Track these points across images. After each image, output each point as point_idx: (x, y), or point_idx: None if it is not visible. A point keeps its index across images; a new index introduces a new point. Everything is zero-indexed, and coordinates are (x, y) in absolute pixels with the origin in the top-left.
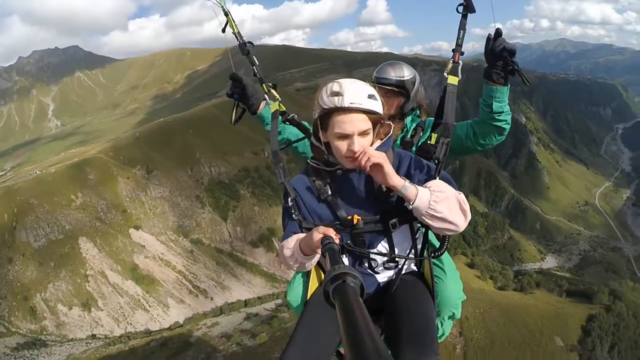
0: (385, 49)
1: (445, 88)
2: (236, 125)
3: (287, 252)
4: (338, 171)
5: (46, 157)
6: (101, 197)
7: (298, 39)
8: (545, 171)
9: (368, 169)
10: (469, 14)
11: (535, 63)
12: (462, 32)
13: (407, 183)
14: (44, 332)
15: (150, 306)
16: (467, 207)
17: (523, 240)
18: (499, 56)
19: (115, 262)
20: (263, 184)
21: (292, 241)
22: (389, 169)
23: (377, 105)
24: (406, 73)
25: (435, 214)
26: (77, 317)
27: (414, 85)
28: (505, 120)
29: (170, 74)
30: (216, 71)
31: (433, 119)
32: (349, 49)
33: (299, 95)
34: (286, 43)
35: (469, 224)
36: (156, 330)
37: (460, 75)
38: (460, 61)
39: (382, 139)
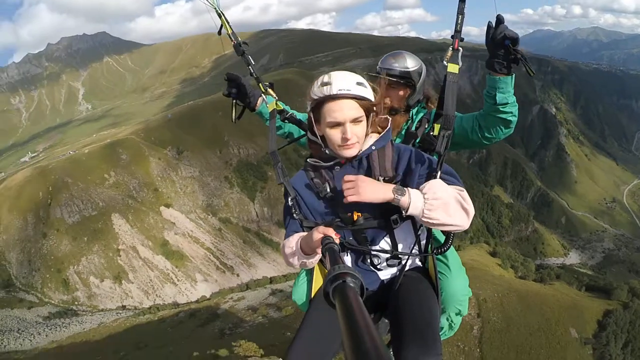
0: (412, 34)
1: (445, 77)
2: (235, 122)
3: (288, 251)
4: (336, 167)
5: (78, 139)
6: (133, 176)
7: (324, 23)
8: (573, 164)
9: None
10: None
11: (566, 51)
12: (460, 16)
13: (397, 195)
14: (76, 303)
15: (178, 280)
16: (468, 205)
17: (547, 233)
18: (501, 44)
19: (146, 238)
20: (290, 166)
21: (293, 240)
22: (371, 193)
23: (366, 92)
24: (411, 64)
25: (430, 221)
26: (108, 289)
27: (420, 76)
28: (511, 112)
29: (197, 58)
30: None
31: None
32: (375, 33)
33: None
34: (312, 27)
35: (494, 214)
36: (184, 303)
37: (460, 63)
38: (460, 48)
39: (379, 133)
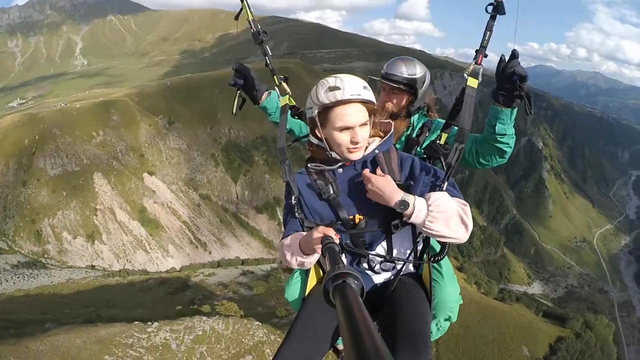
0: (417, 46)
1: (464, 90)
2: (236, 114)
3: (286, 250)
4: (339, 169)
5: (69, 93)
6: (121, 139)
7: (332, 20)
8: (551, 199)
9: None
10: (497, 16)
11: (564, 91)
12: (488, 33)
13: (402, 201)
14: (45, 256)
15: (151, 249)
16: (468, 220)
17: (515, 261)
18: (509, 79)
19: (125, 202)
20: (277, 154)
21: (292, 239)
22: (390, 192)
23: (372, 96)
24: (418, 71)
25: (431, 232)
26: (80, 246)
27: (424, 84)
28: (507, 144)
29: (201, 32)
30: (248, 37)
31: (440, 120)
32: (381, 39)
33: (325, 76)
34: (320, 22)
35: None
36: (153, 272)
37: (480, 79)
38: (482, 64)
39: (382, 137)
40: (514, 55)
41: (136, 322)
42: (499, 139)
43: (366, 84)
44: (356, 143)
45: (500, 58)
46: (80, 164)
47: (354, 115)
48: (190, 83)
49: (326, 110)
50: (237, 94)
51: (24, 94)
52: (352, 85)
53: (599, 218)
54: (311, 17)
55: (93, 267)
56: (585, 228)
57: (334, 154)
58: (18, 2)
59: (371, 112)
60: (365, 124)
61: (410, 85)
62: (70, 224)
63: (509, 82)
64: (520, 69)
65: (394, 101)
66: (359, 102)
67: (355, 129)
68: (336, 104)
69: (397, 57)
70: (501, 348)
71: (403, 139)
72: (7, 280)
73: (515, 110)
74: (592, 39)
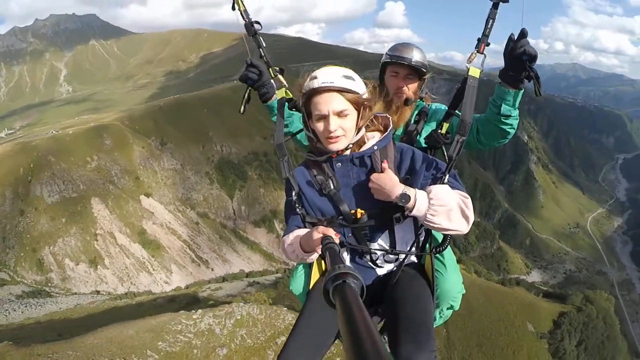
0: None
1: (466, 80)
2: (244, 113)
3: (288, 248)
4: (338, 164)
5: (57, 120)
6: (116, 162)
7: (313, 33)
8: (541, 190)
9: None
10: (500, 3)
11: (545, 84)
12: (491, 21)
13: (403, 194)
14: (49, 284)
15: (154, 270)
16: (469, 213)
17: (511, 252)
18: (518, 59)
19: (124, 225)
20: (270, 168)
21: (293, 237)
22: (391, 186)
23: (353, 85)
24: (422, 56)
25: (433, 225)
26: (83, 272)
27: (427, 70)
28: (511, 125)
29: (185, 52)
30: (231, 55)
31: (437, 105)
32: (362, 48)
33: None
34: (301, 35)
35: None
36: (159, 292)
37: (482, 68)
38: (485, 53)
39: (382, 132)
40: (523, 34)
41: (182, 312)
42: (503, 120)
43: (351, 74)
44: (329, 131)
45: (509, 37)
46: (77, 189)
47: (326, 104)
48: (179, 103)
49: (308, 100)
50: (248, 91)
51: (11, 123)
52: (327, 74)
53: (590, 203)
54: (291, 31)
55: (98, 292)
56: (578, 214)
57: (319, 145)
58: (0, 31)
59: (355, 103)
60: (343, 113)
61: (421, 71)
62: (71, 250)
63: (518, 61)
64: (530, 48)
65: (410, 86)
66: (333, 90)
67: (329, 118)
68: (312, 93)
69: (401, 43)
70: (507, 326)
71: (402, 126)
72: (14, 310)
73: (522, 92)
74: (568, 32)
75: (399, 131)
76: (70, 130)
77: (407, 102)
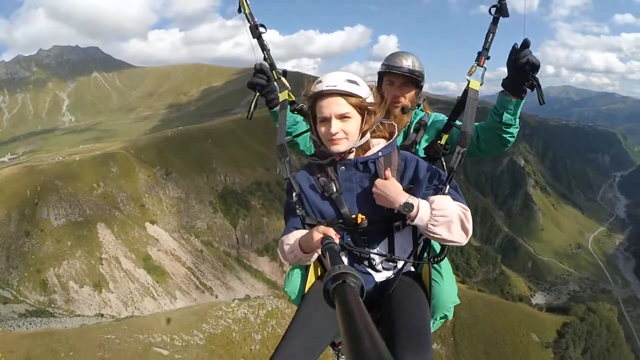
0: None
1: (466, 92)
2: (250, 119)
3: (287, 248)
4: (341, 167)
5: (61, 148)
6: (121, 190)
7: (309, 67)
8: (540, 213)
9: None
10: (500, 18)
11: (538, 108)
12: (491, 35)
13: (407, 203)
14: (52, 305)
15: (158, 295)
16: (469, 225)
17: (514, 276)
18: (521, 68)
19: (129, 250)
20: (273, 198)
21: (293, 237)
22: (395, 194)
23: (357, 89)
24: (418, 64)
25: (433, 235)
26: (87, 295)
27: (423, 78)
28: (512, 134)
29: (186, 86)
30: (231, 89)
31: (436, 114)
32: None
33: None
34: (298, 70)
35: (462, 255)
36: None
37: (482, 81)
38: (485, 66)
39: (387, 139)
40: (526, 43)
41: (222, 300)
42: (504, 128)
43: (355, 79)
44: (331, 134)
45: (513, 47)
46: (84, 214)
47: (329, 107)
48: (183, 135)
49: (314, 104)
50: (256, 96)
51: (14, 149)
52: (331, 78)
53: (590, 223)
54: (288, 66)
55: (102, 315)
56: (578, 234)
57: (323, 148)
58: (4, 59)
59: (359, 107)
60: (345, 116)
61: (418, 79)
62: (76, 273)
63: (521, 71)
64: (533, 57)
65: (406, 95)
66: (336, 94)
67: (331, 121)
68: (317, 97)
69: (397, 52)
70: (512, 335)
71: (402, 133)
72: (19, 327)
73: (523, 101)
74: (557, 55)
75: (398, 139)
76: (76, 157)
77: (404, 110)
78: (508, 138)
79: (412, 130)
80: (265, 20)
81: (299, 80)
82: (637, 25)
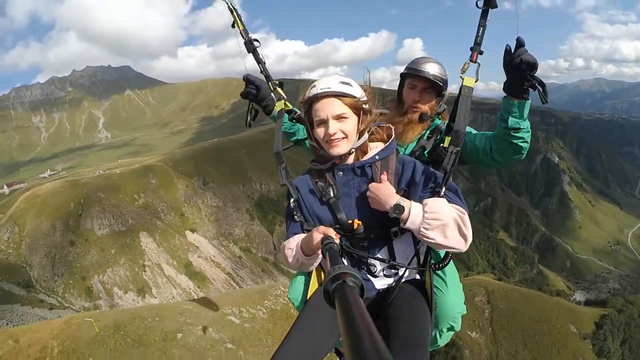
0: None
1: (460, 90)
2: (249, 126)
3: (288, 253)
4: (339, 172)
5: (99, 163)
6: (162, 200)
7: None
8: (577, 210)
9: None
10: (490, 10)
11: (570, 103)
12: (482, 29)
13: (397, 205)
14: (97, 310)
15: None
16: (467, 231)
17: (552, 275)
18: (517, 68)
19: (171, 257)
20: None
21: (293, 242)
22: (386, 196)
23: (349, 89)
24: (442, 71)
25: (427, 239)
26: (131, 300)
27: (446, 86)
28: (523, 138)
29: (217, 100)
30: None
31: None
32: (384, 86)
33: None
34: None
35: (499, 256)
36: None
37: (477, 78)
38: (478, 62)
39: (385, 142)
40: (520, 43)
41: (280, 280)
42: (512, 134)
43: (348, 81)
44: (329, 135)
45: (506, 48)
46: (126, 224)
47: (325, 109)
48: (218, 146)
49: (309, 109)
50: (250, 105)
51: (53, 165)
52: (325, 82)
53: (629, 219)
54: (315, 75)
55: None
56: (617, 231)
57: (322, 152)
58: (40, 80)
59: (354, 107)
60: (342, 116)
61: (440, 87)
62: (120, 280)
63: (517, 72)
64: (527, 56)
65: (426, 101)
66: (331, 95)
67: (328, 122)
68: (312, 101)
69: (422, 57)
70: (549, 327)
71: (416, 140)
72: None
73: (529, 102)
74: (586, 47)
75: (411, 146)
76: (117, 170)
77: (422, 117)
78: (519, 144)
79: (425, 138)
80: (290, 32)
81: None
82: None
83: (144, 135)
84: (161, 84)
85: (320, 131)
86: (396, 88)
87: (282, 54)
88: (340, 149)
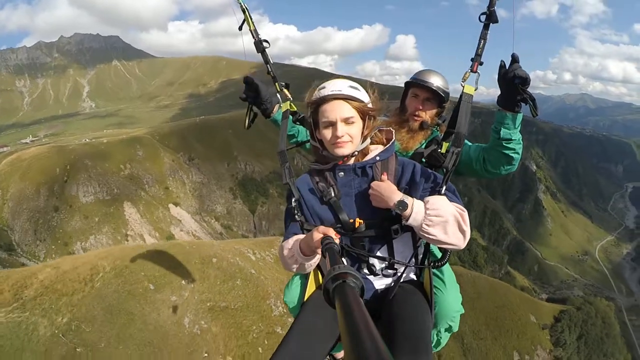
0: None
1: (461, 97)
2: (248, 128)
3: (286, 253)
4: (340, 173)
5: (82, 132)
6: (147, 172)
7: (325, 64)
8: (549, 218)
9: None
10: (491, 24)
11: (554, 115)
12: (482, 41)
13: (401, 201)
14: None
15: None
16: (466, 227)
17: (520, 277)
18: (511, 83)
19: (154, 229)
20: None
21: (292, 242)
22: (389, 192)
23: (358, 94)
24: (445, 84)
25: (428, 236)
26: None
27: (448, 98)
28: (514, 149)
29: (205, 78)
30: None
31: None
32: (373, 80)
33: None
34: (314, 66)
35: (470, 254)
36: None
37: (477, 86)
38: (478, 72)
39: (384, 144)
40: (514, 59)
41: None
42: (504, 144)
43: (356, 85)
44: (337, 137)
45: (500, 64)
46: (111, 193)
47: (334, 111)
48: (206, 124)
49: (316, 109)
50: (249, 108)
51: (35, 132)
52: (335, 84)
53: (599, 232)
54: (304, 62)
55: None
56: (586, 242)
57: (325, 153)
58: (26, 44)
59: (361, 112)
60: (350, 120)
61: (442, 98)
62: (102, 247)
63: (511, 85)
64: (521, 71)
65: (428, 111)
66: (340, 98)
67: (336, 124)
68: (321, 102)
69: (427, 69)
70: (511, 313)
71: (413, 150)
72: None
73: (520, 115)
74: (575, 62)
75: (409, 155)
76: (104, 140)
77: (422, 125)
78: (511, 154)
79: (422, 147)
80: (285, 16)
81: (314, 75)
82: None
83: (129, 107)
84: (149, 57)
85: (326, 132)
86: (385, 83)
87: (274, 38)
88: (345, 150)
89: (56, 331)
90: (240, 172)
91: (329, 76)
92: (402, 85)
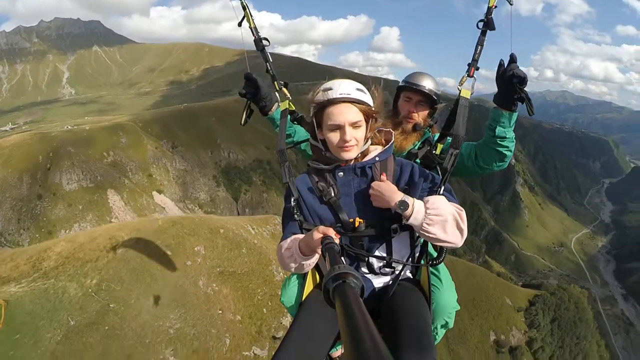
0: (391, 76)
1: (458, 100)
2: (246, 125)
3: (285, 253)
4: (339, 173)
5: (63, 119)
6: (130, 159)
7: (309, 53)
8: (526, 210)
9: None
10: (488, 31)
11: (534, 111)
12: (479, 47)
13: (402, 201)
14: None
15: None
16: (464, 226)
17: (497, 266)
18: (509, 82)
19: (137, 216)
20: (273, 175)
21: (291, 241)
22: (390, 192)
23: (365, 97)
24: (436, 87)
25: (428, 235)
26: None
27: (439, 100)
28: (507, 147)
29: (187, 65)
30: (232, 71)
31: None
32: (356, 70)
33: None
34: (297, 55)
35: None
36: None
37: (473, 90)
38: (475, 76)
39: (383, 145)
40: (513, 59)
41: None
42: (499, 142)
43: (362, 87)
44: (345, 141)
45: (500, 63)
46: (95, 180)
47: (342, 115)
48: (189, 112)
49: (321, 110)
50: (247, 104)
51: (14, 119)
52: (343, 86)
53: (575, 225)
54: (288, 50)
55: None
56: (562, 234)
57: (328, 154)
58: (5, 29)
59: (366, 114)
60: (357, 124)
61: (434, 100)
62: None
63: (508, 85)
64: (519, 71)
65: (419, 113)
66: (349, 102)
67: (344, 128)
68: (328, 104)
69: (418, 72)
70: (487, 296)
71: (406, 151)
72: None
73: (516, 114)
74: (557, 60)
75: (402, 155)
76: (87, 127)
77: (415, 127)
78: (504, 152)
79: (416, 148)
80: (269, 4)
81: (298, 65)
82: (638, 37)
83: (109, 94)
84: (130, 43)
85: (333, 135)
86: (368, 74)
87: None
88: (351, 153)
89: (89, 290)
90: (224, 159)
91: (314, 66)
92: (384, 76)
